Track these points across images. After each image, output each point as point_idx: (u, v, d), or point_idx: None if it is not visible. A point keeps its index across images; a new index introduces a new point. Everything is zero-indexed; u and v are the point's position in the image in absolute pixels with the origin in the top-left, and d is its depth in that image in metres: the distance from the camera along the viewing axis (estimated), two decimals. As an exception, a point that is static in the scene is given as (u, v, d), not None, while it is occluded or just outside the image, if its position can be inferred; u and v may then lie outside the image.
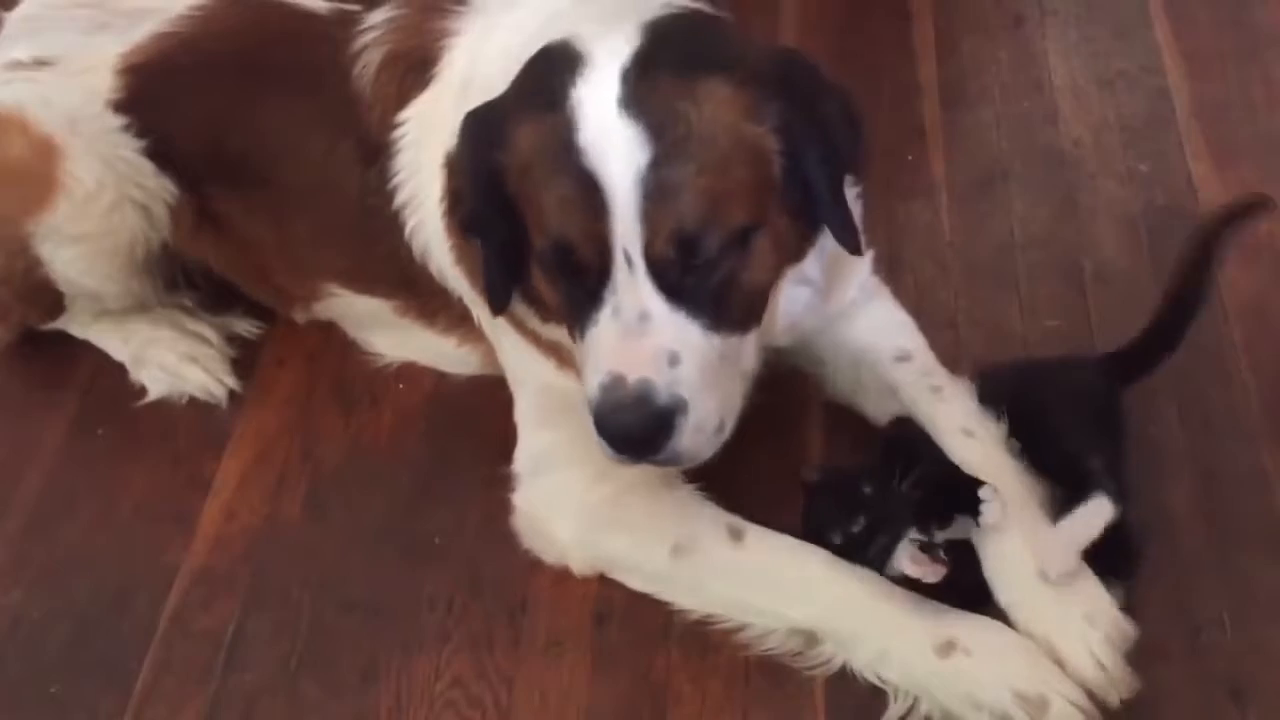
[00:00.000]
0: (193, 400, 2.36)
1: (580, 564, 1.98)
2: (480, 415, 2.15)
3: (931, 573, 1.80)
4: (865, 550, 1.83)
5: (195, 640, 2.01)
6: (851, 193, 1.78)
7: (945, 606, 1.81)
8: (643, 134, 1.58)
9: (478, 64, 1.95)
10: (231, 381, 2.38)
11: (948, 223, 2.53)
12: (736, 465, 1.88)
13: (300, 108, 2.15)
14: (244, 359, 2.42)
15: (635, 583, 1.95)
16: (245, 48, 2.21)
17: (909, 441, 1.95)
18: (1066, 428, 1.94)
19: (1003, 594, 1.82)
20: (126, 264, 2.29)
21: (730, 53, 1.68)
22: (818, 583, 1.85)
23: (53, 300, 2.35)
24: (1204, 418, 2.12)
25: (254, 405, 2.35)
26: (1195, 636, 1.85)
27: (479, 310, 2.07)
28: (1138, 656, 1.76)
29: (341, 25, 2.15)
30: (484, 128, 1.72)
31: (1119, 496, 1.81)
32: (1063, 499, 1.85)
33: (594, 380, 1.67)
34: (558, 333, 1.88)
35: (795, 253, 1.80)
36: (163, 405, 2.36)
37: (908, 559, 1.81)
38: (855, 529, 1.83)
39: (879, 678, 1.80)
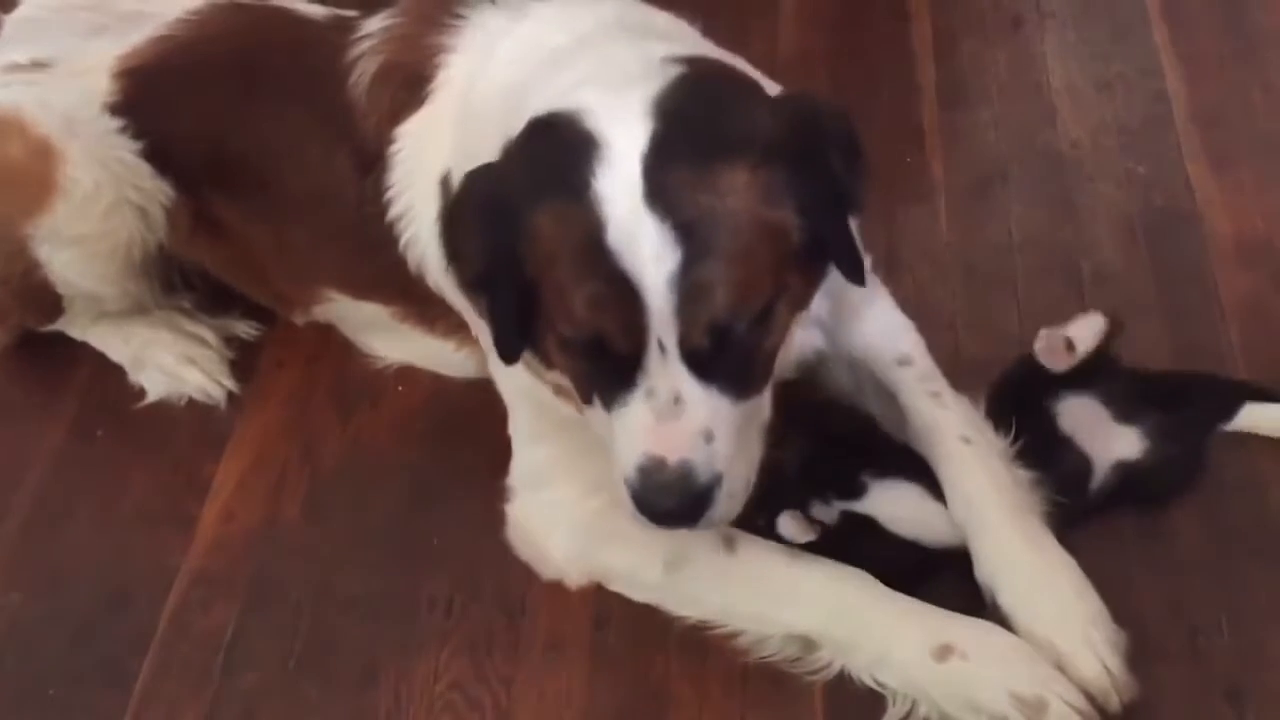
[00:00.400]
0: (192, 402, 2.36)
1: (576, 577, 1.99)
2: (479, 417, 2.15)
3: (800, 534, 1.88)
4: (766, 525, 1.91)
5: (194, 642, 2.01)
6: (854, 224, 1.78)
7: (942, 610, 1.82)
8: (672, 234, 1.56)
9: (475, 90, 1.93)
10: (230, 383, 2.38)
11: (945, 224, 2.53)
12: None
13: (296, 114, 2.15)
14: (243, 361, 2.42)
15: (632, 594, 1.96)
16: (242, 52, 2.21)
17: (807, 411, 1.97)
18: None
19: (1003, 596, 1.83)
20: (124, 266, 2.29)
21: (741, 127, 1.63)
22: (813, 589, 1.85)
23: (51, 302, 2.35)
24: (1202, 420, 2.12)
25: (253, 407, 2.35)
26: (1192, 639, 1.86)
27: (475, 324, 2.06)
28: (1135, 659, 1.77)
29: (338, 32, 2.15)
30: (496, 208, 1.66)
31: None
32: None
33: (631, 461, 1.67)
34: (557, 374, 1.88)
35: (806, 301, 1.81)
36: (162, 407, 2.36)
37: (781, 521, 1.89)
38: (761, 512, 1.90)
39: (877, 682, 1.81)
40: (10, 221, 2.23)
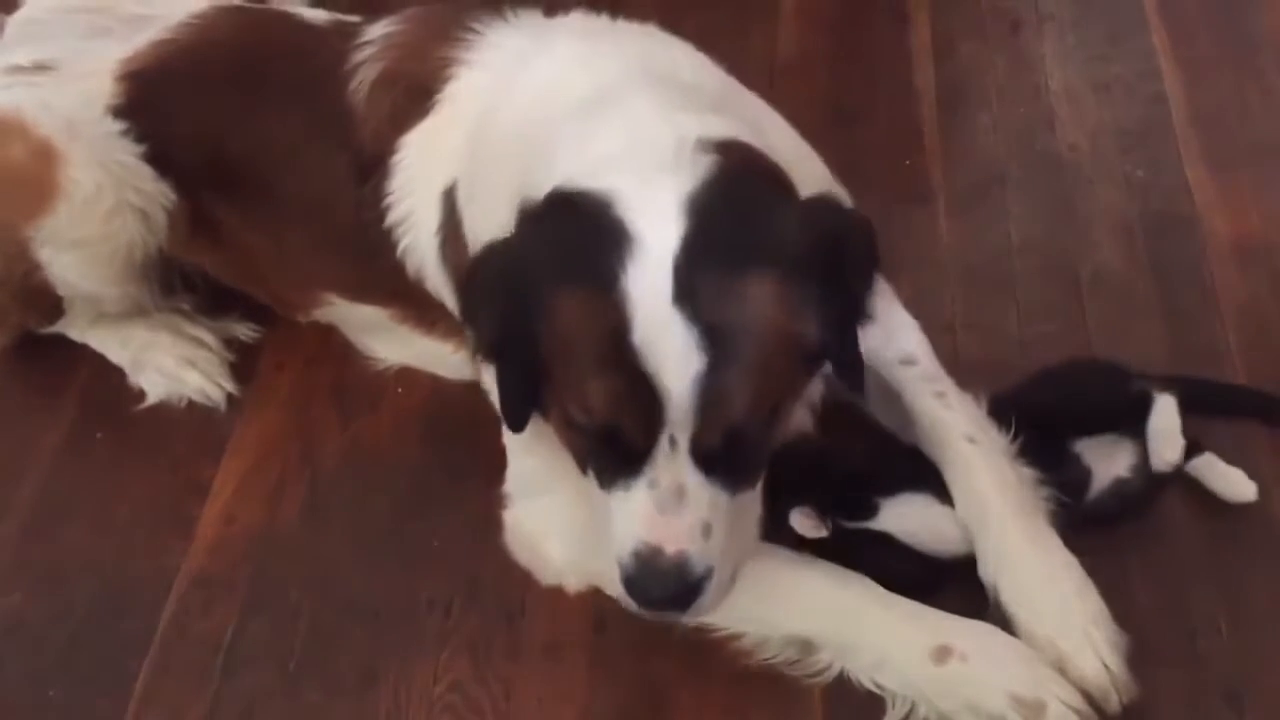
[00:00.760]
0: (191, 404, 2.36)
1: (574, 582, 1.99)
2: (479, 419, 2.14)
3: (812, 530, 1.91)
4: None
5: (194, 643, 2.01)
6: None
7: (941, 612, 1.83)
8: (698, 338, 1.56)
9: (496, 116, 1.91)
10: (230, 385, 2.38)
11: (945, 227, 2.53)
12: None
13: (297, 119, 2.15)
14: (242, 363, 2.42)
15: None
16: (243, 56, 2.21)
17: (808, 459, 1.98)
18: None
19: (1005, 594, 1.84)
20: (125, 268, 2.29)
21: (772, 236, 1.62)
22: (812, 592, 1.86)
23: (52, 304, 2.35)
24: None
25: (253, 409, 2.35)
26: (1191, 640, 1.87)
27: (486, 386, 2.05)
28: (1134, 660, 1.77)
29: (339, 38, 2.15)
30: (515, 281, 1.65)
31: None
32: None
33: (627, 545, 1.67)
34: None
35: (804, 393, 1.82)
36: (161, 409, 2.36)
37: (794, 515, 1.91)
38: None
39: (876, 684, 1.82)
40: (11, 223, 2.23)
